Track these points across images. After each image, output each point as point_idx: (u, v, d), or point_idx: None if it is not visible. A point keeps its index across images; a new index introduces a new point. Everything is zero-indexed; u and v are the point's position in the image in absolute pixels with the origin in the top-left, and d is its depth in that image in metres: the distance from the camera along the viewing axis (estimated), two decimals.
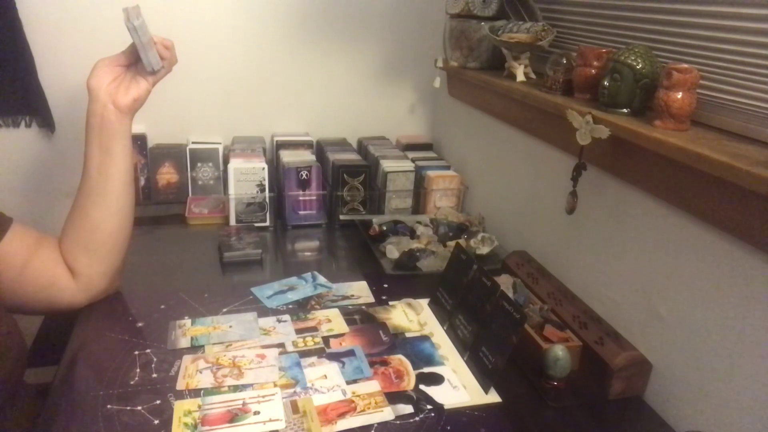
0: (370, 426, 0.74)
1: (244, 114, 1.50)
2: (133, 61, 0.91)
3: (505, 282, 1.01)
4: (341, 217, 1.36)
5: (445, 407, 0.78)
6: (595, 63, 0.90)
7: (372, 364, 0.85)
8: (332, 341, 0.90)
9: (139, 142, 1.36)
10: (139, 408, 0.74)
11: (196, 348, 0.87)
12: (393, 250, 1.18)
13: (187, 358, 0.84)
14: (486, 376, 0.83)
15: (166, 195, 1.41)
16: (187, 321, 0.93)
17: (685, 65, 0.74)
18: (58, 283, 0.90)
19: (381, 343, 0.91)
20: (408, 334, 0.94)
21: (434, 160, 1.50)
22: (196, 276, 1.10)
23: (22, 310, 0.88)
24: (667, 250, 0.80)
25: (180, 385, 0.78)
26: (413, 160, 1.44)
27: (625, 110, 0.83)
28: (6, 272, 0.83)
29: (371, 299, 1.04)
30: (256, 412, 0.74)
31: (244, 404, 0.75)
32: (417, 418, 0.76)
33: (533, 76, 1.14)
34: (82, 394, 0.76)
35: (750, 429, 0.69)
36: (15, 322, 0.79)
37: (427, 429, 0.74)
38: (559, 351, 0.82)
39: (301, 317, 0.96)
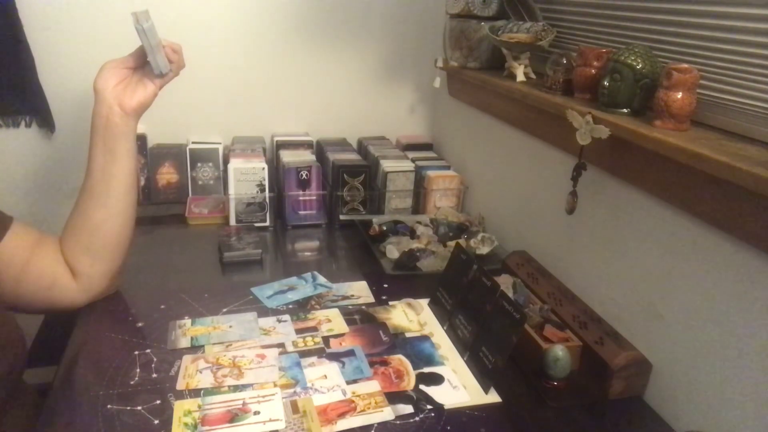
0: (370, 426, 0.74)
1: (244, 114, 1.50)
2: (141, 63, 0.91)
3: (505, 282, 1.01)
4: (341, 217, 1.36)
5: (445, 407, 0.78)
6: (595, 63, 0.90)
7: (372, 364, 0.85)
8: (332, 341, 0.90)
9: (139, 142, 1.35)
10: (139, 408, 0.74)
11: (196, 348, 0.87)
12: (393, 250, 1.18)
13: (187, 358, 0.84)
14: (486, 376, 0.83)
15: (166, 195, 1.41)
16: (187, 321, 0.93)
17: (685, 65, 0.74)
18: (58, 282, 0.90)
19: (381, 343, 0.91)
20: (408, 334, 0.94)
21: (434, 160, 1.50)
22: (196, 276, 1.10)
23: (21, 309, 0.88)
24: (667, 250, 0.80)
25: (180, 385, 0.78)
26: (413, 160, 1.44)
27: (625, 110, 0.83)
28: (7, 271, 0.83)
29: (371, 299, 1.04)
30: (256, 412, 0.74)
31: (244, 404, 0.75)
32: (417, 418, 0.76)
33: (533, 76, 1.14)
34: (82, 394, 0.76)
35: (750, 429, 0.69)
36: (15, 320, 0.79)
37: (427, 429, 0.74)
38: (559, 351, 0.82)
39: (301, 317, 0.96)
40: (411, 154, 1.48)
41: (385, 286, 1.09)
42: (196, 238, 1.26)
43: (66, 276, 0.91)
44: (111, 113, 0.88)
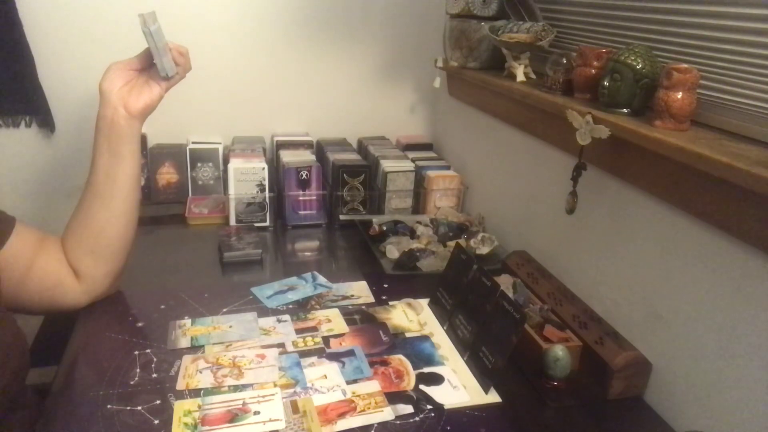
0: (370, 426, 0.74)
1: (244, 114, 1.50)
2: (147, 65, 0.91)
3: (505, 282, 1.01)
4: (341, 217, 1.36)
5: (445, 407, 0.78)
6: (595, 63, 0.90)
7: (372, 364, 0.85)
8: (332, 341, 0.90)
9: None
10: (139, 408, 0.74)
11: (196, 348, 0.87)
12: (393, 250, 1.18)
13: (187, 358, 0.84)
14: (486, 376, 0.83)
15: (166, 195, 1.41)
16: (187, 321, 0.93)
17: (685, 65, 0.74)
18: (62, 283, 0.90)
19: (381, 343, 0.91)
20: (408, 334, 0.94)
21: (434, 160, 1.50)
22: (196, 276, 1.10)
23: (23, 310, 0.88)
24: (667, 250, 0.80)
25: (180, 385, 0.78)
26: (413, 160, 1.44)
27: (625, 110, 0.83)
28: (11, 272, 0.83)
29: (371, 299, 1.04)
30: (256, 412, 0.74)
31: (244, 404, 0.75)
32: (417, 418, 0.76)
33: (533, 76, 1.14)
34: (82, 394, 0.76)
35: (750, 429, 0.69)
36: (18, 326, 0.79)
37: (427, 429, 0.74)
38: (559, 351, 0.82)
39: (301, 317, 0.96)
40: (411, 154, 1.48)
41: (385, 286, 1.09)
42: (196, 238, 1.27)
43: (69, 277, 0.91)
44: (116, 115, 0.88)
